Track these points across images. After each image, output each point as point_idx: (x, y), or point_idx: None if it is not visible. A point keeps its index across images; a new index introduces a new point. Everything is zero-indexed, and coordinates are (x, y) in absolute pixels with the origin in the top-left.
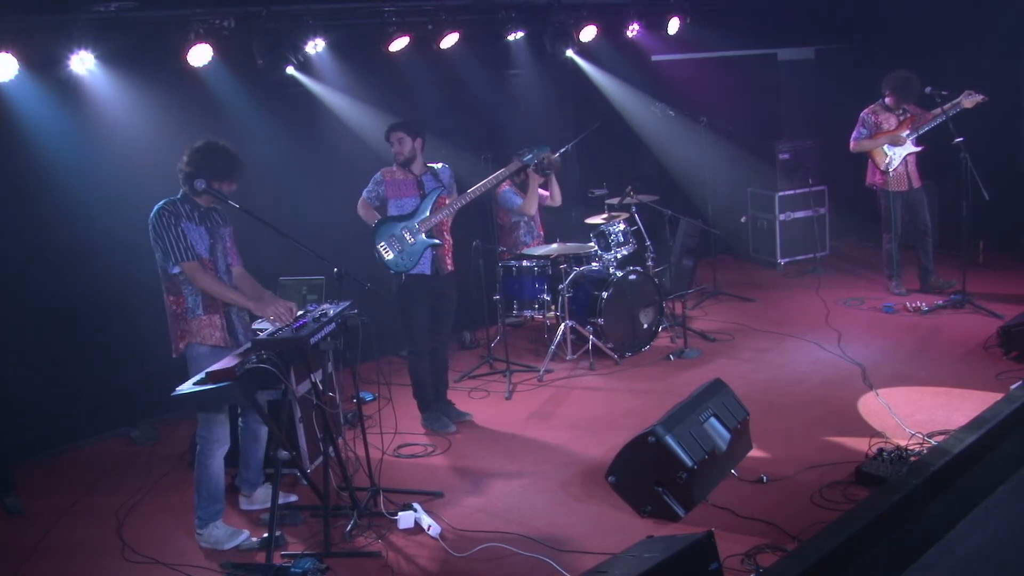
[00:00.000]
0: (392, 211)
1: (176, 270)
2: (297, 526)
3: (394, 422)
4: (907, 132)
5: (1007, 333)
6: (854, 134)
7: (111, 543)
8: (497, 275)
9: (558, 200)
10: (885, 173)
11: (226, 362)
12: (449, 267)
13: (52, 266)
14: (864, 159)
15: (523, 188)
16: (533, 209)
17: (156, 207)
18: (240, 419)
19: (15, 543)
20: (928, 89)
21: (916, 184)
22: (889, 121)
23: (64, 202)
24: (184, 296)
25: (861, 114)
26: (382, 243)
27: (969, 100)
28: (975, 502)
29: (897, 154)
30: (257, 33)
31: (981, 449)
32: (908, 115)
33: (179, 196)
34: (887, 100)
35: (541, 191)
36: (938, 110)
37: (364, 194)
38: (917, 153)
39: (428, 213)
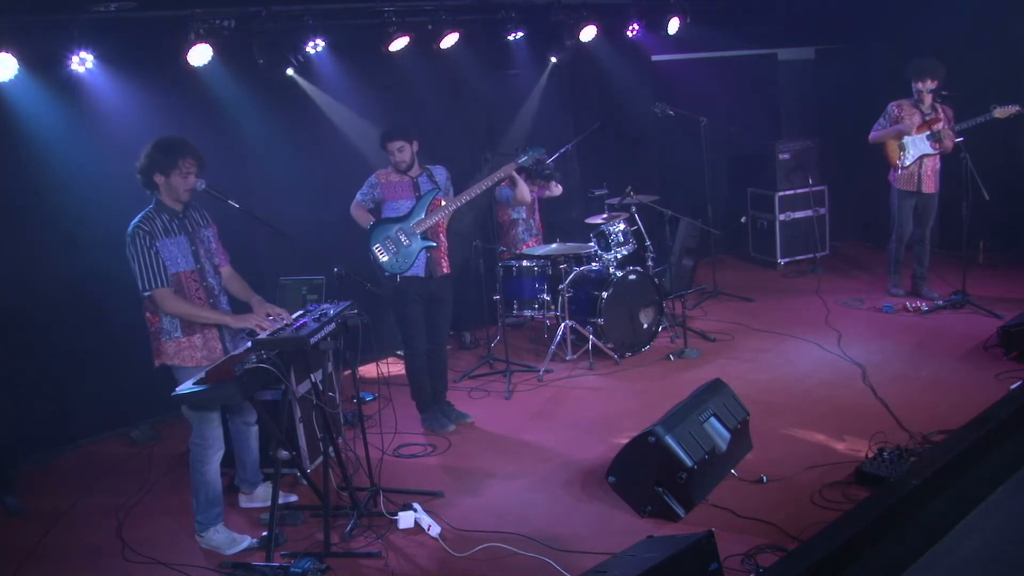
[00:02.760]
0: (388, 213)
1: (147, 294)
2: (297, 526)
3: (394, 422)
4: (928, 133)
5: (1007, 333)
6: (876, 125)
7: (111, 543)
8: (497, 275)
9: (558, 191)
10: (898, 170)
11: (226, 362)
12: (444, 270)
13: (52, 265)
14: (865, 158)
15: (512, 182)
16: (527, 195)
17: (132, 224)
18: (229, 420)
19: (15, 543)
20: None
21: (927, 189)
22: (913, 118)
23: (64, 201)
24: (159, 316)
25: (888, 105)
26: (377, 245)
27: (1002, 111)
28: (975, 502)
29: (911, 153)
30: (257, 33)
31: (981, 449)
32: (935, 115)
33: (153, 205)
34: (916, 88)
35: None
36: (948, 134)
37: (358, 196)
38: (938, 157)
39: (424, 215)
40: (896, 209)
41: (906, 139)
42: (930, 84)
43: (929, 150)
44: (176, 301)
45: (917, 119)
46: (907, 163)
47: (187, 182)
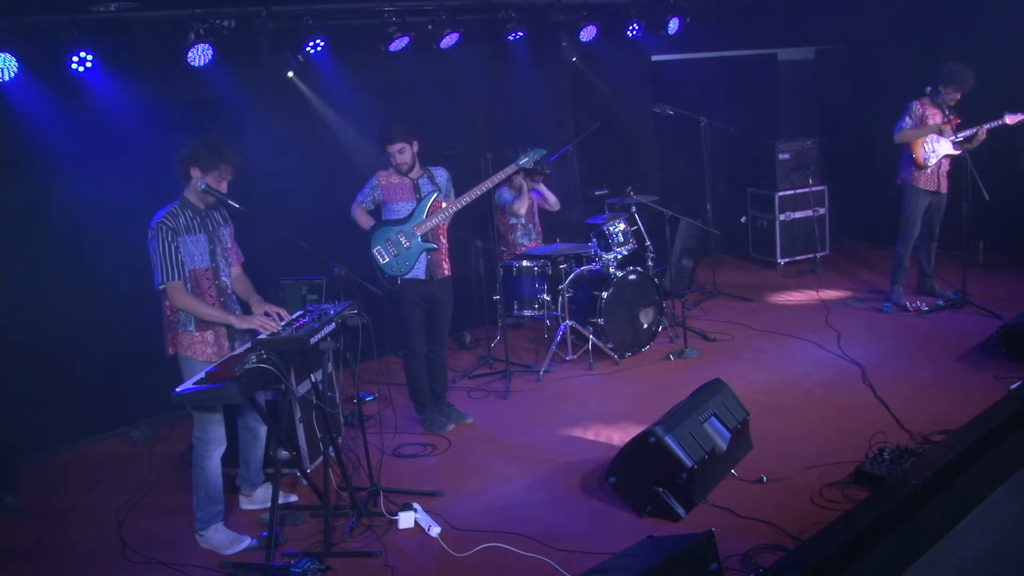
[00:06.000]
0: (388, 215)
1: (161, 287)
2: (297, 526)
3: (394, 422)
4: (950, 134)
5: (1007, 333)
6: (898, 123)
7: (111, 543)
8: (497, 275)
9: (556, 205)
10: (921, 169)
11: (226, 362)
12: (445, 272)
13: (52, 265)
14: (865, 158)
15: (518, 188)
16: (523, 210)
17: (157, 217)
18: (238, 419)
19: (15, 543)
20: (927, 89)
21: (943, 189)
22: (935, 117)
23: (63, 201)
24: (176, 307)
25: (909, 104)
26: (377, 247)
27: (1013, 118)
28: (975, 502)
29: (936, 152)
30: (257, 33)
31: (981, 449)
32: (953, 116)
33: (178, 201)
34: (943, 92)
35: (537, 195)
36: (983, 130)
37: (358, 198)
38: (951, 158)
39: (424, 217)
40: (911, 209)
41: (931, 138)
42: (959, 94)
43: (952, 150)
44: (185, 296)
45: (940, 119)
46: (931, 162)
47: (219, 187)
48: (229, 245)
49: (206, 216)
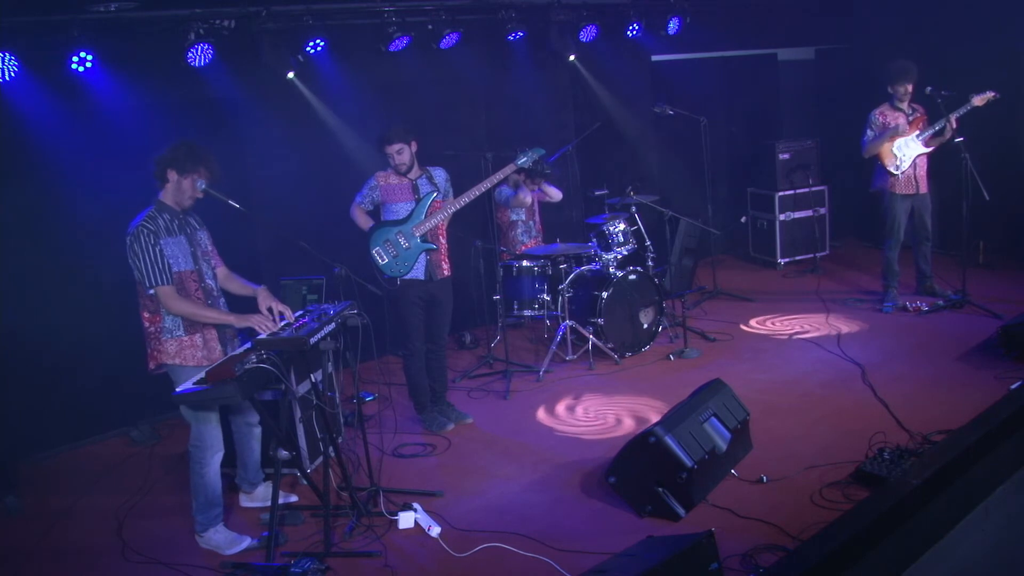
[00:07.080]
0: (387, 216)
1: (151, 292)
2: (297, 526)
3: (394, 422)
4: (917, 133)
5: (1007, 333)
6: (863, 137)
7: (111, 543)
8: (497, 275)
9: (558, 195)
10: (893, 175)
11: (226, 362)
12: (444, 272)
13: (52, 266)
14: (865, 158)
15: (513, 184)
16: (528, 199)
17: (134, 224)
18: (232, 418)
19: (15, 543)
20: (928, 89)
21: (923, 189)
22: (898, 121)
23: (63, 201)
24: (161, 315)
25: (869, 115)
26: (376, 248)
27: (980, 98)
28: (975, 502)
29: (906, 156)
30: (257, 33)
31: (981, 449)
32: (918, 115)
33: (154, 205)
34: (894, 92)
35: (537, 191)
36: (951, 120)
37: (357, 199)
38: (927, 156)
39: (423, 217)
40: (891, 215)
41: (897, 143)
42: (909, 87)
43: (922, 148)
44: (180, 300)
45: (902, 121)
46: (904, 167)
47: (196, 190)
48: (209, 248)
49: (184, 221)
